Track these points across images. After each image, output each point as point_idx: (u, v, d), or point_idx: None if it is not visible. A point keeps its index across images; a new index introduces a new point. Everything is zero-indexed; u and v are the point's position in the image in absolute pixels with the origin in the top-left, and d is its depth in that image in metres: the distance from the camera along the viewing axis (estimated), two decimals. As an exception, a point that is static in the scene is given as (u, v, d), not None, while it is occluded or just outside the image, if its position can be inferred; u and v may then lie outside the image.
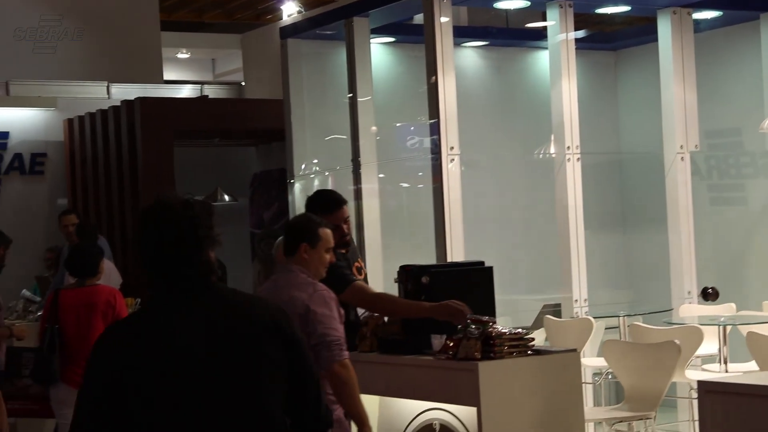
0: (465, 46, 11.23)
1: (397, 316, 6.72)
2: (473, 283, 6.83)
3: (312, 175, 10.86)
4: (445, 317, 6.41)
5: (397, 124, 10.67)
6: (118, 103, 13.70)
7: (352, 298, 6.75)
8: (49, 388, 8.99)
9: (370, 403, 6.92)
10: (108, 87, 15.07)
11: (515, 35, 12.07)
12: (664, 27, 10.40)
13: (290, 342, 3.88)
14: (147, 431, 3.65)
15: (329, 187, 10.61)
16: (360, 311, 7.27)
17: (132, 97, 13.57)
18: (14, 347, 9.37)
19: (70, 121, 14.60)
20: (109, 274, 9.89)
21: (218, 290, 3.93)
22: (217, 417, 3.69)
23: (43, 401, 9.10)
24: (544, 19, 10.01)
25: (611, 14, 11.26)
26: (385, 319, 6.94)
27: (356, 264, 7.38)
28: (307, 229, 6.18)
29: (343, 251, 7.05)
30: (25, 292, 12.45)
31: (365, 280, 7.77)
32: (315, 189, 10.75)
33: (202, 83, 17.43)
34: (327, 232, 6.14)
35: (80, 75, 15.69)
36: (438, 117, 9.11)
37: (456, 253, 8.85)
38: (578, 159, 9.78)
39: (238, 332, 3.78)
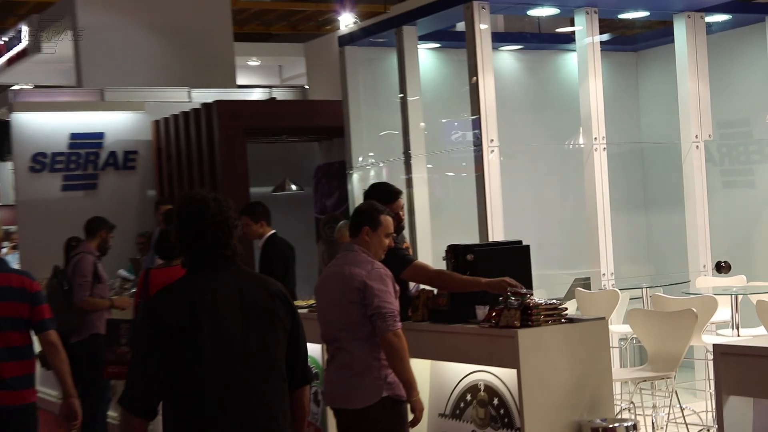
0: (502, 50, 11.16)
1: (456, 290, 6.66)
2: (512, 260, 6.78)
3: (368, 167, 10.82)
4: (500, 291, 6.40)
5: (443, 120, 10.62)
6: (198, 106, 13.66)
7: (414, 275, 6.81)
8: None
9: (423, 366, 6.91)
10: (189, 92, 15.05)
11: (546, 39, 12.00)
12: (680, 29, 10.32)
13: (293, 311, 4.59)
14: (192, 367, 4.31)
15: (383, 177, 10.64)
16: (412, 287, 7.20)
17: (210, 101, 13.54)
18: (113, 319, 9.36)
19: (157, 123, 14.58)
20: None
21: (241, 267, 4.57)
22: (244, 359, 4.37)
23: None
24: (572, 25, 9.91)
25: (632, 19, 11.14)
26: (435, 292, 6.91)
27: (404, 245, 7.41)
28: (370, 214, 6.24)
29: (395, 235, 7.02)
30: (121, 272, 12.58)
31: None
32: (371, 179, 10.70)
33: (270, 87, 17.37)
34: (388, 219, 6.22)
35: (165, 82, 15.71)
36: (479, 113, 9.02)
37: (496, 234, 8.80)
38: (604, 149, 9.70)
39: (260, 299, 4.47)
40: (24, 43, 17.24)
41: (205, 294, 4.41)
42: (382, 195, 7.09)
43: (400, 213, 7.17)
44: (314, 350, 7.79)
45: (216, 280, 4.46)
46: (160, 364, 4.32)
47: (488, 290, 6.51)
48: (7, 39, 18.07)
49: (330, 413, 7.20)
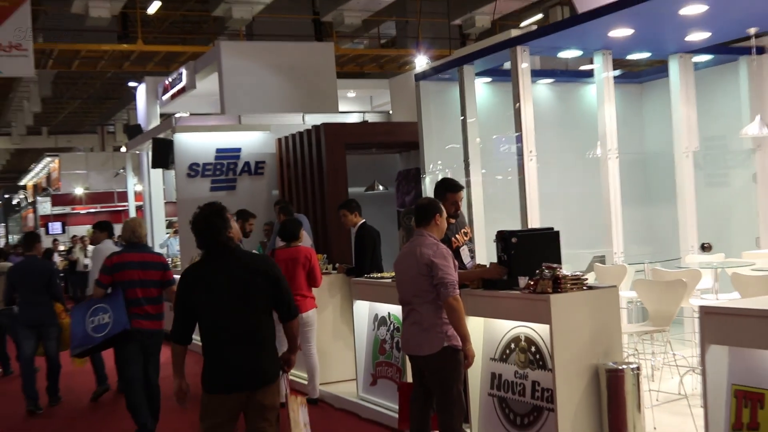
0: (539, 83, 11.13)
1: (463, 281, 6.58)
2: (546, 242, 6.71)
3: (437, 172, 10.81)
4: (493, 276, 6.61)
5: (494, 136, 10.57)
6: (310, 127, 13.75)
7: None
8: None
9: (478, 322, 6.92)
10: (303, 116, 15.18)
11: (572, 75, 11.93)
12: (674, 67, 10.27)
13: (273, 278, 5.41)
14: (203, 318, 5.33)
15: (449, 180, 10.64)
16: (467, 262, 7.21)
17: (318, 123, 13.62)
18: None
19: (279, 140, 14.70)
20: (305, 239, 9.87)
21: (235, 252, 5.45)
22: (236, 313, 5.29)
23: None
24: (592, 63, 9.81)
25: (637, 59, 10.96)
26: (488, 264, 6.92)
27: (463, 230, 7.44)
28: (438, 205, 6.41)
29: (452, 221, 7.12)
30: (253, 252, 12.65)
31: (471, 240, 7.81)
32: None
33: (363, 112, 17.41)
34: (443, 209, 6.44)
35: (285, 109, 15.87)
36: (521, 131, 8.97)
37: (534, 222, 8.74)
38: (616, 157, 9.63)
39: (244, 274, 5.34)
40: (183, 82, 17.51)
41: (207, 271, 5.37)
42: (449, 186, 7.19)
43: (459, 202, 7.21)
44: (396, 310, 7.87)
45: (215, 262, 5.39)
46: (187, 311, 5.35)
47: (485, 277, 6.72)
48: (171, 79, 18.36)
49: (406, 358, 7.31)
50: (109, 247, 9.96)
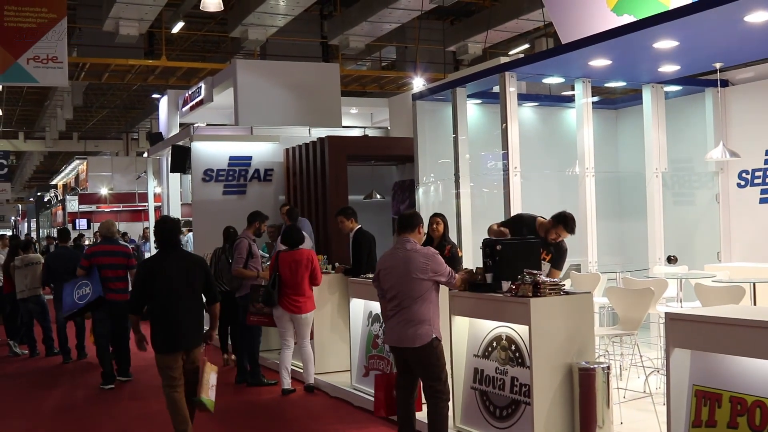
0: (524, 106, 11.08)
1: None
2: (526, 250, 6.68)
3: (429, 183, 10.79)
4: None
5: (482, 153, 10.55)
6: (315, 139, 13.70)
7: None
8: (272, 309, 9.07)
9: (463, 322, 6.90)
10: (309, 129, 15.11)
11: (555, 99, 11.88)
12: (647, 95, 10.25)
13: (204, 270, 6.81)
14: (158, 296, 6.62)
15: (440, 192, 10.65)
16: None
17: (323, 135, 13.58)
18: (255, 285, 9.48)
19: (287, 150, 14.65)
20: (307, 242, 9.82)
21: (181, 250, 6.87)
22: (180, 295, 6.64)
23: (269, 317, 9.20)
24: (573, 90, 9.80)
25: (614, 87, 10.97)
26: (474, 269, 6.86)
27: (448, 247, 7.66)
28: (420, 218, 6.56)
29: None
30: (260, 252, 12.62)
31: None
32: (431, 192, 10.66)
33: (364, 127, 17.39)
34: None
35: (293, 122, 15.82)
36: (507, 148, 8.98)
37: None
38: (593, 175, 9.64)
39: (186, 266, 6.73)
40: (202, 95, 17.48)
41: (161, 262, 6.72)
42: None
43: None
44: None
45: (170, 256, 6.75)
46: (144, 291, 6.67)
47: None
48: (191, 93, 18.33)
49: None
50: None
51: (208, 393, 6.75)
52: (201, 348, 6.80)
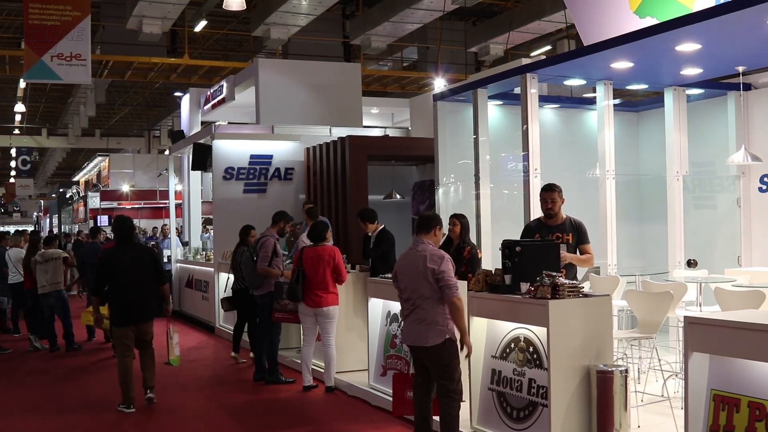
0: (545, 107, 11.05)
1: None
2: (547, 252, 6.66)
3: (449, 184, 10.79)
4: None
5: (502, 154, 10.54)
6: (336, 139, 13.74)
7: None
8: (296, 305, 9.13)
9: (482, 322, 6.88)
10: (330, 129, 15.15)
11: (576, 101, 11.82)
12: (668, 98, 10.20)
13: (153, 258, 8.62)
14: (116, 280, 8.38)
15: (460, 193, 10.63)
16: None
17: (344, 135, 13.61)
18: (278, 281, 9.64)
19: (308, 149, 14.71)
20: (329, 239, 9.89)
21: (137, 243, 8.71)
22: (135, 281, 8.41)
23: (294, 314, 9.28)
24: (594, 92, 9.77)
25: (636, 90, 10.93)
26: (493, 270, 6.87)
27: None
28: (440, 220, 6.58)
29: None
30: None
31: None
32: (452, 193, 10.67)
33: (385, 127, 17.39)
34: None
35: (314, 121, 15.87)
36: (528, 150, 8.96)
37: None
38: (613, 178, 9.60)
39: (140, 255, 8.50)
40: (223, 93, 17.54)
41: (119, 253, 8.47)
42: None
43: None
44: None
45: (125, 248, 8.53)
46: (104, 277, 8.45)
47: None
48: (213, 91, 18.41)
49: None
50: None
51: (174, 352, 9.36)
52: (152, 320, 8.60)
